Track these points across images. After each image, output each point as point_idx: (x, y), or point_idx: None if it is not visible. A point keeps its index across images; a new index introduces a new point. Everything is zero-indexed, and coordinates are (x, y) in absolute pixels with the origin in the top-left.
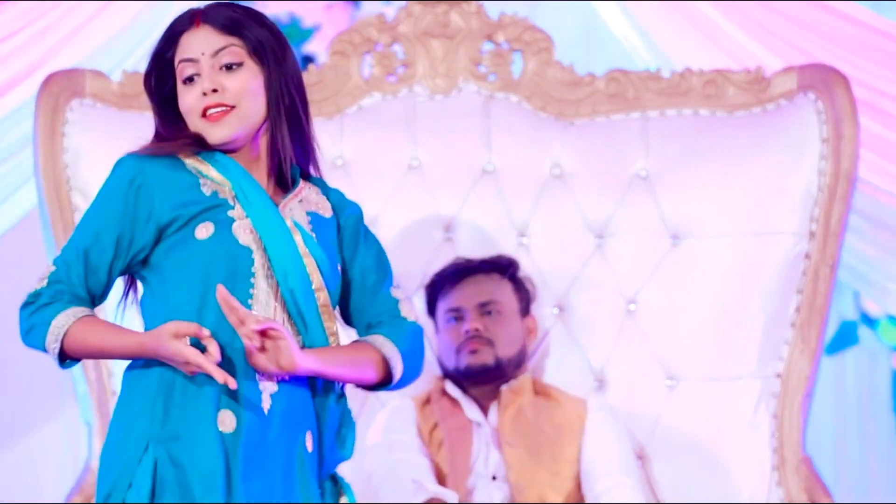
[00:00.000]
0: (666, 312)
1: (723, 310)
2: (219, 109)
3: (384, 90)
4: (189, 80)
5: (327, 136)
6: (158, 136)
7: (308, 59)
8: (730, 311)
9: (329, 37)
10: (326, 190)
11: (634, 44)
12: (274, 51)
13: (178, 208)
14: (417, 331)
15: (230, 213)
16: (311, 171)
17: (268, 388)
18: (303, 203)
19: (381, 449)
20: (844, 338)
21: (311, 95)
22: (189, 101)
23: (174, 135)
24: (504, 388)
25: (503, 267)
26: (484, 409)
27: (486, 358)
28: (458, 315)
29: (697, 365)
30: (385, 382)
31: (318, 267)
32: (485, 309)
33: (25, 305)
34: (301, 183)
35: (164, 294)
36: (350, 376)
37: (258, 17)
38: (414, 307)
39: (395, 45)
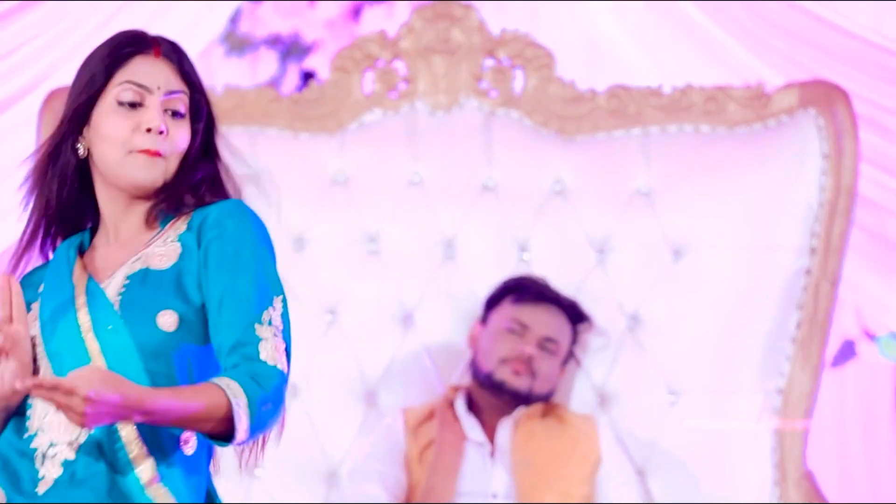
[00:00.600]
0: (667, 327)
1: (724, 325)
2: (157, 152)
3: (385, 106)
4: (130, 105)
5: (328, 152)
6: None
7: (309, 75)
8: (731, 326)
9: (330, 52)
10: (201, 215)
11: (635, 59)
12: (207, 114)
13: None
14: (276, 377)
15: (33, 304)
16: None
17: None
18: (137, 263)
19: (355, 475)
20: (845, 353)
21: (313, 111)
22: (123, 129)
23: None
24: (520, 409)
25: (577, 315)
26: (489, 426)
27: (522, 385)
28: (521, 331)
29: (699, 380)
30: (227, 434)
31: (102, 349)
32: (547, 343)
33: None
34: (166, 227)
35: None
36: (176, 415)
37: (197, 72)
38: (281, 349)
39: (396, 61)
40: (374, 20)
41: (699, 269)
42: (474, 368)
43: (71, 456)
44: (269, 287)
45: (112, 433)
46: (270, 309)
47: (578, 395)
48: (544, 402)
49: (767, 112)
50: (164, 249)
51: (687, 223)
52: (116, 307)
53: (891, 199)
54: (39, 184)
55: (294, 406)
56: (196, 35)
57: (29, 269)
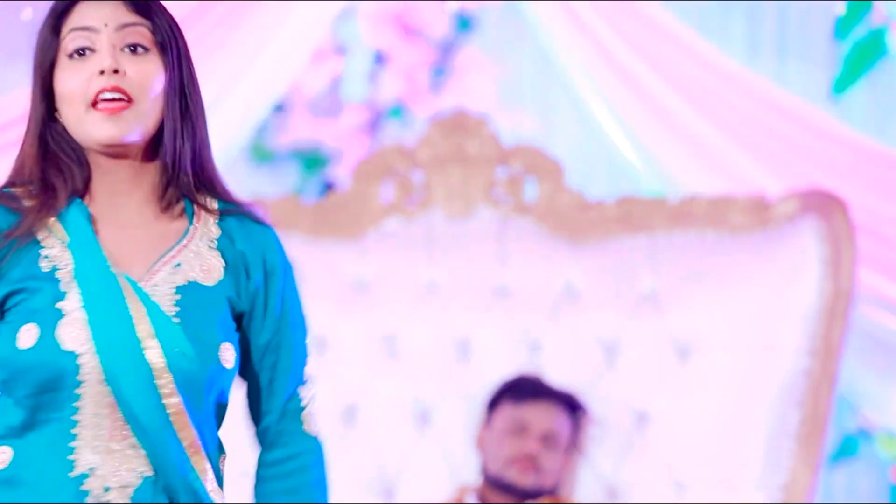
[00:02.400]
0: (674, 424)
1: (728, 422)
2: (115, 101)
3: (404, 214)
4: (80, 53)
5: (349, 257)
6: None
7: (330, 185)
8: (735, 423)
9: (350, 163)
10: (241, 228)
11: (642, 168)
12: (179, 45)
13: (13, 283)
14: (317, 451)
15: (59, 304)
16: (212, 185)
17: None
18: (180, 269)
19: None
20: (844, 450)
21: (334, 219)
22: (76, 81)
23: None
24: None
25: (575, 407)
26: None
27: (529, 482)
28: (522, 430)
29: (704, 474)
30: None
31: (169, 367)
32: (549, 439)
33: None
34: (193, 222)
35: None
36: None
37: (163, 6)
38: (315, 413)
39: (414, 171)
40: (392, 132)
41: (704, 369)
42: (483, 469)
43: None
44: (302, 342)
45: (186, 468)
46: (309, 360)
47: (587, 488)
48: (550, 494)
49: (769, 219)
50: (204, 259)
51: (692, 325)
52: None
53: (887, 303)
54: (39, 170)
55: None
56: (223, 146)
57: None
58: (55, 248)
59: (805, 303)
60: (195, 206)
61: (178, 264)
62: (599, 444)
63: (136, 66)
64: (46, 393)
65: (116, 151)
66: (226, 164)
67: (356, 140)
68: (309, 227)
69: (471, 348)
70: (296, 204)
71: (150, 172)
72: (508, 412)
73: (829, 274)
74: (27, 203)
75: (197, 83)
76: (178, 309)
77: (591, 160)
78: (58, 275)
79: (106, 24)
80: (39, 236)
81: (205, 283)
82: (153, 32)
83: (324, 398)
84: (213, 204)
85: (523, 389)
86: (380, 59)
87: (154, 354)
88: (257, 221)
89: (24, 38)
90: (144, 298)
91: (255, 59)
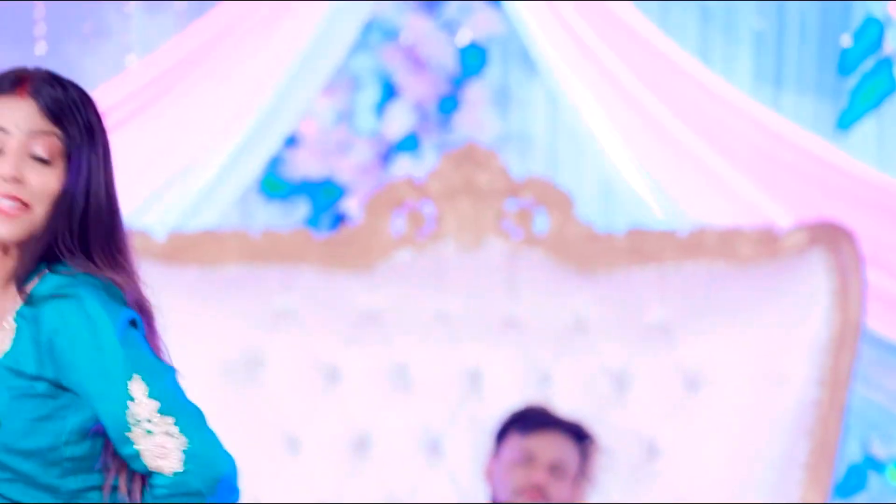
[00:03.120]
0: (683, 455)
1: (737, 452)
2: (12, 205)
3: (414, 246)
4: None
5: (360, 289)
6: None
7: (341, 217)
8: (744, 453)
9: (362, 195)
10: (39, 307)
11: (651, 199)
12: (89, 151)
13: None
14: (161, 487)
15: None
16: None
17: None
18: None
19: None
20: (853, 481)
21: (345, 251)
22: None
23: None
24: None
25: (582, 437)
26: None
27: None
28: (529, 461)
29: None
30: None
31: None
32: (556, 468)
33: None
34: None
35: None
36: None
37: (85, 104)
38: (171, 440)
39: (424, 203)
40: (403, 165)
41: (713, 400)
42: (493, 499)
43: None
44: (123, 382)
45: None
46: (132, 404)
47: None
48: None
49: (778, 251)
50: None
51: (701, 356)
52: None
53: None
54: None
55: None
56: (234, 180)
57: None
58: None
59: (813, 333)
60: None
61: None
62: (609, 474)
63: (38, 177)
64: None
65: (4, 246)
66: (237, 197)
67: (367, 173)
68: (320, 259)
69: (481, 379)
70: (307, 237)
71: (13, 255)
72: (516, 442)
73: (837, 305)
74: None
75: (109, 179)
76: None
77: (599, 192)
78: None
79: (18, 127)
80: None
81: None
82: (62, 141)
83: (335, 428)
84: (41, 284)
85: (530, 420)
86: (390, 92)
87: None
88: (59, 296)
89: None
90: None
91: (267, 93)
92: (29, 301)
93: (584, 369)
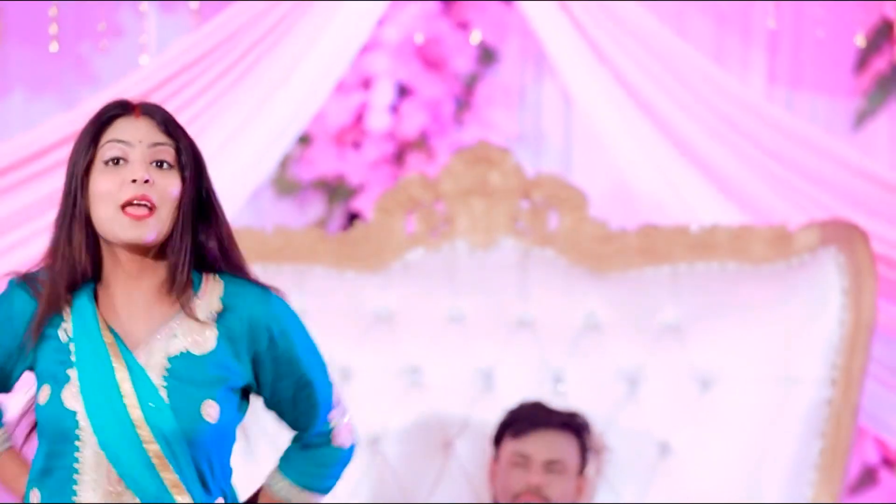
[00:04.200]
0: (696, 455)
1: (750, 452)
2: (142, 208)
3: (427, 245)
4: (115, 161)
5: (372, 289)
6: (56, 251)
7: (354, 216)
8: (756, 453)
9: (374, 194)
10: (234, 294)
11: (664, 199)
12: (197, 162)
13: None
14: (340, 457)
15: (68, 370)
16: (225, 267)
17: None
18: (175, 341)
19: None
20: (866, 480)
21: (357, 250)
22: (110, 185)
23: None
24: None
25: (577, 427)
26: None
27: None
28: (525, 462)
29: None
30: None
31: (147, 420)
32: (552, 466)
33: None
34: (199, 293)
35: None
36: None
37: (183, 127)
38: (352, 428)
39: (437, 202)
40: (415, 164)
41: (726, 400)
42: (494, 502)
43: None
44: (329, 381)
45: None
46: (334, 395)
47: None
48: None
49: (790, 250)
50: (197, 331)
51: (714, 356)
52: (163, 392)
53: None
54: (62, 255)
55: None
56: (247, 178)
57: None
58: (70, 323)
59: (826, 333)
60: (203, 284)
61: (175, 335)
62: (621, 474)
63: (161, 179)
64: (57, 444)
65: (135, 247)
66: (250, 195)
67: (380, 171)
68: (332, 258)
69: (493, 379)
70: (320, 235)
71: (159, 265)
72: (510, 446)
73: (850, 304)
74: (42, 290)
75: (212, 191)
76: (167, 374)
77: (613, 192)
78: (70, 346)
79: (140, 141)
80: (63, 311)
81: (195, 353)
82: (177, 152)
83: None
84: (219, 283)
85: (522, 421)
86: (403, 91)
87: (134, 410)
88: (260, 293)
89: (50, 72)
90: (131, 365)
91: (280, 91)
92: (223, 306)
93: (596, 369)
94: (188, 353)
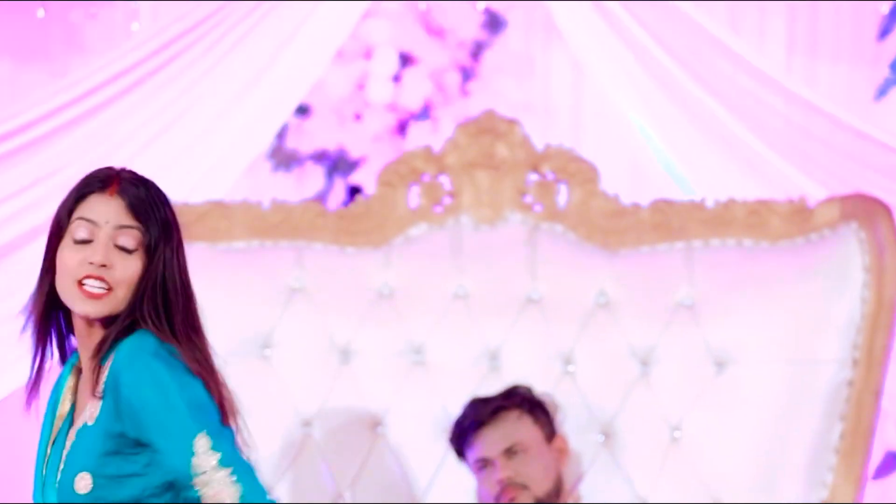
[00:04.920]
0: (711, 438)
1: (767, 436)
2: (99, 287)
3: (431, 220)
4: (81, 241)
5: (374, 266)
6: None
7: (355, 190)
8: (774, 437)
9: (376, 167)
10: (113, 363)
11: (678, 172)
12: (165, 245)
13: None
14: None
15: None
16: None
17: None
18: (84, 412)
19: None
20: (888, 465)
21: (359, 225)
22: (72, 262)
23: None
24: None
25: (518, 402)
26: None
27: (527, 499)
28: (486, 464)
29: (742, 490)
30: None
31: (47, 499)
32: (511, 452)
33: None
34: (103, 369)
35: None
36: None
37: (163, 204)
38: (224, 478)
39: (441, 175)
40: (419, 135)
41: (742, 381)
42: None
43: None
44: (189, 430)
45: None
46: (195, 458)
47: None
48: (560, 494)
49: (809, 226)
50: (93, 402)
51: (730, 335)
52: (62, 467)
53: None
54: (42, 325)
55: None
56: (243, 150)
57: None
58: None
59: (847, 312)
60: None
61: (86, 407)
62: (634, 456)
63: (121, 263)
64: None
65: (91, 320)
66: (246, 168)
67: (382, 144)
68: (333, 234)
69: (500, 359)
70: (319, 210)
71: (98, 332)
72: (470, 457)
73: (871, 282)
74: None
75: (182, 267)
76: (70, 449)
77: (623, 164)
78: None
79: (107, 222)
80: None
81: (89, 424)
82: (143, 235)
83: (349, 409)
84: (117, 353)
85: (465, 429)
86: (405, 60)
87: (50, 489)
88: (127, 353)
89: (37, 39)
90: (58, 442)
91: (277, 60)
92: (110, 370)
93: (607, 349)
94: (85, 425)
